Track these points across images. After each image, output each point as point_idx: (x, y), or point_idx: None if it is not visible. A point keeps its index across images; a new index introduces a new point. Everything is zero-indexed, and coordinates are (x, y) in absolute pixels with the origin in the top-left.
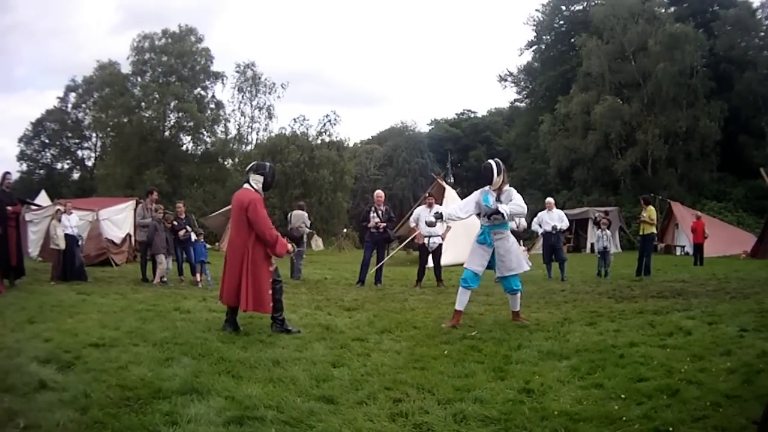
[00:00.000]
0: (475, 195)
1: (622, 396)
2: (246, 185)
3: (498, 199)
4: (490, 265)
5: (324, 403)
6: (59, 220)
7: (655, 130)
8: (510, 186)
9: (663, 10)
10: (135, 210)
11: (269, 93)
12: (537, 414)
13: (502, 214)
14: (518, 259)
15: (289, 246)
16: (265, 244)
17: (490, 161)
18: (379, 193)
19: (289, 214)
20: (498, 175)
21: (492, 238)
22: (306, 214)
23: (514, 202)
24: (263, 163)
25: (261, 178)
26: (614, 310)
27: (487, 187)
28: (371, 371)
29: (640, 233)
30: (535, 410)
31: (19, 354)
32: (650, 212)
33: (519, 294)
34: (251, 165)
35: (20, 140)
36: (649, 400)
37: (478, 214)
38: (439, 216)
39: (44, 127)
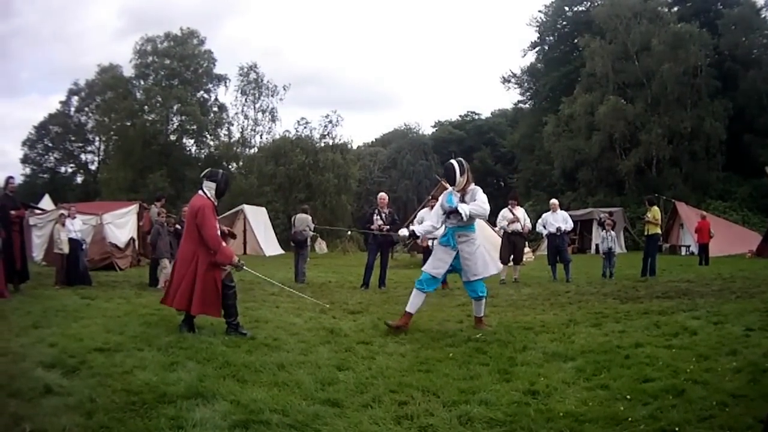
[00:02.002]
0: (441, 199)
1: (628, 397)
2: (200, 192)
3: (462, 200)
4: (456, 269)
5: (329, 407)
6: (63, 225)
7: (659, 130)
8: (476, 185)
9: (666, 10)
10: (138, 214)
11: (272, 95)
12: (542, 415)
13: (461, 215)
14: (484, 262)
15: (235, 258)
16: (213, 250)
17: (452, 161)
18: (383, 195)
19: (293, 218)
20: (461, 175)
21: (456, 240)
22: (309, 218)
23: (475, 203)
24: (216, 171)
25: (214, 185)
26: (619, 311)
27: (451, 188)
28: (376, 374)
29: (645, 234)
30: (540, 412)
31: (24, 359)
32: (654, 212)
33: (483, 300)
34: (205, 172)
35: (24, 144)
36: (654, 401)
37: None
38: (412, 233)
39: (47, 131)
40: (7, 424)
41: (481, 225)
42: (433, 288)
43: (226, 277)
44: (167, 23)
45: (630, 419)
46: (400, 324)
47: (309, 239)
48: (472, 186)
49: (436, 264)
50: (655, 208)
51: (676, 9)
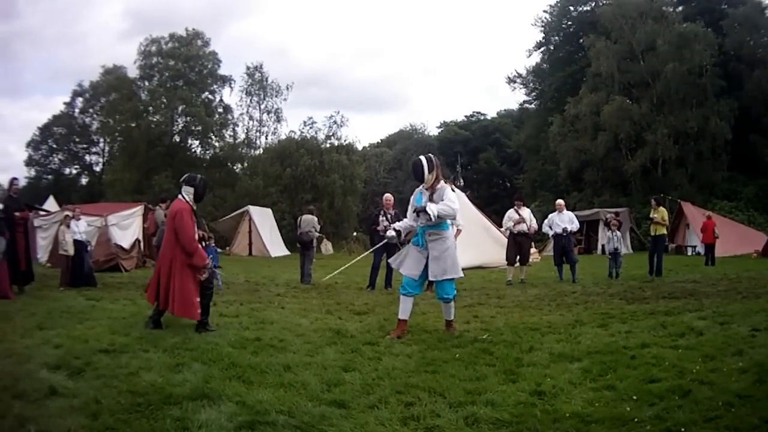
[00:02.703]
0: (412, 198)
1: (634, 397)
2: (179, 196)
3: (431, 198)
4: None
5: (335, 408)
6: (68, 226)
7: (665, 130)
8: (445, 183)
9: (671, 9)
10: (143, 215)
11: (276, 96)
12: (549, 416)
13: (429, 215)
14: (454, 263)
15: (208, 260)
16: (185, 253)
17: (421, 157)
18: (388, 196)
19: (298, 219)
20: (430, 172)
21: (426, 239)
22: (315, 219)
23: (444, 203)
24: (194, 175)
25: (192, 190)
26: (626, 311)
27: (420, 186)
28: (382, 375)
29: (652, 234)
30: (546, 412)
31: (29, 360)
32: (662, 213)
33: (452, 303)
34: (184, 177)
35: (28, 145)
36: (661, 401)
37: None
38: (398, 232)
39: (52, 133)
40: (12, 426)
41: (486, 226)
42: (419, 290)
43: (207, 279)
44: (172, 25)
45: (636, 420)
46: (399, 333)
47: (315, 240)
48: (442, 184)
49: (411, 265)
50: (662, 208)
51: (681, 9)
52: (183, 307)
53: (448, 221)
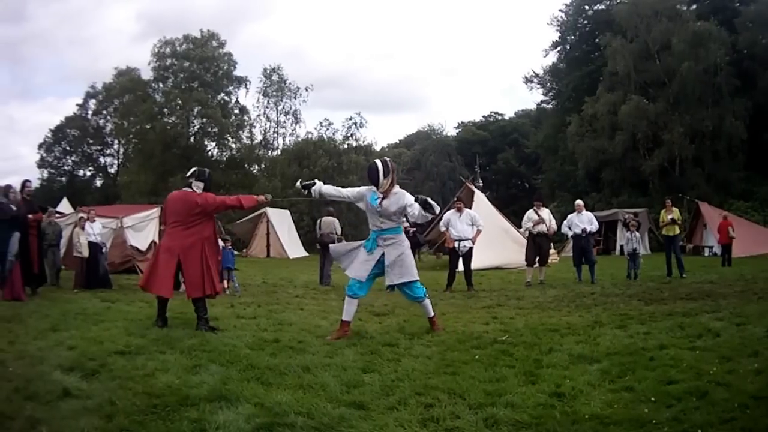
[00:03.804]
0: (365, 189)
1: (652, 399)
2: (189, 189)
3: (381, 202)
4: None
5: (355, 409)
6: (82, 228)
7: (681, 130)
8: (402, 188)
9: (685, 8)
10: (159, 217)
11: (294, 97)
12: (568, 418)
13: (434, 209)
14: (411, 266)
15: (260, 197)
16: (239, 208)
17: (377, 161)
18: None
19: (318, 221)
20: (385, 176)
21: (378, 243)
22: (336, 220)
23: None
24: (204, 170)
25: (202, 184)
26: (644, 312)
27: (374, 188)
28: (402, 377)
29: (667, 234)
30: (566, 414)
31: (41, 362)
32: (676, 213)
33: (427, 300)
34: (192, 171)
35: (40, 147)
36: (678, 403)
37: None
38: (308, 186)
39: (65, 134)
40: (23, 428)
41: (505, 227)
42: (364, 292)
43: None
44: (185, 27)
45: (654, 421)
46: (339, 335)
47: (336, 242)
48: (397, 189)
49: (359, 267)
50: (675, 208)
51: (694, 7)
52: (213, 285)
53: (400, 225)
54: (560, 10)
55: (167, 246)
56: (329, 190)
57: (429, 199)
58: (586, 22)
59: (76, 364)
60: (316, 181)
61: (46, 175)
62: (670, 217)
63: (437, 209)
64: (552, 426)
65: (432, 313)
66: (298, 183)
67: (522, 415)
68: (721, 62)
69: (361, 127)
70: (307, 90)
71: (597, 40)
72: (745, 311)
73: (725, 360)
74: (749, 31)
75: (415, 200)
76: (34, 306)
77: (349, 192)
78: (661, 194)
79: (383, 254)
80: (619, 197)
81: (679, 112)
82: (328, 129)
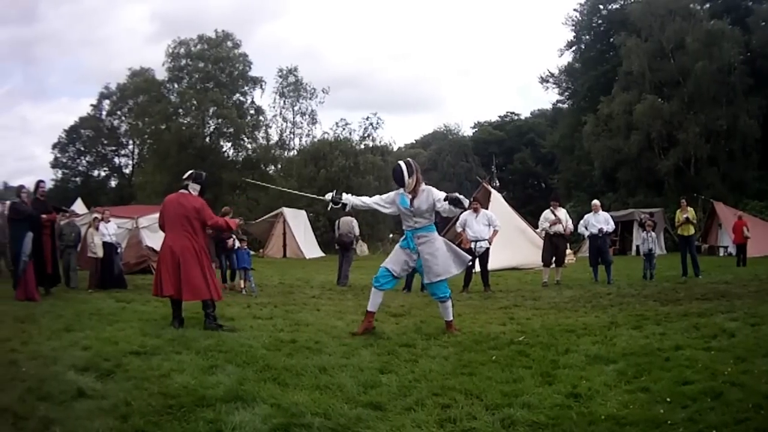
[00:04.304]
0: (393, 194)
1: (668, 399)
2: (186, 191)
3: (412, 201)
4: (419, 271)
5: (372, 410)
6: (97, 228)
7: (696, 129)
8: (427, 185)
9: (698, 7)
10: None
11: (311, 98)
12: (584, 419)
13: (463, 203)
14: (446, 263)
15: (237, 220)
16: (223, 230)
17: (400, 162)
18: None
19: (337, 221)
20: (410, 176)
21: (415, 243)
22: (354, 220)
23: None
24: (200, 173)
25: (199, 187)
26: (660, 312)
27: (401, 190)
28: (419, 377)
29: (683, 233)
30: (582, 415)
31: (55, 362)
32: (691, 212)
33: (449, 302)
34: (189, 174)
35: (54, 147)
36: (693, 403)
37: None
38: (340, 202)
39: (79, 135)
40: (36, 428)
41: (522, 227)
42: (391, 286)
43: None
44: (199, 28)
45: (669, 422)
46: (366, 327)
47: (354, 242)
48: (424, 186)
49: (395, 263)
50: (690, 208)
51: (707, 6)
52: (217, 288)
53: (432, 223)
54: (575, 10)
55: (167, 248)
56: (358, 202)
57: (458, 196)
58: (600, 21)
59: (90, 365)
60: (344, 194)
61: (60, 175)
62: (684, 216)
63: (466, 203)
64: (568, 427)
65: (451, 317)
66: (328, 196)
67: (539, 415)
68: (734, 61)
69: (377, 127)
70: (324, 92)
71: (612, 39)
72: (759, 311)
73: (740, 360)
74: (762, 29)
75: (445, 199)
76: (48, 306)
77: (378, 200)
78: (676, 194)
79: (419, 254)
80: (635, 197)
81: (693, 111)
82: (344, 129)
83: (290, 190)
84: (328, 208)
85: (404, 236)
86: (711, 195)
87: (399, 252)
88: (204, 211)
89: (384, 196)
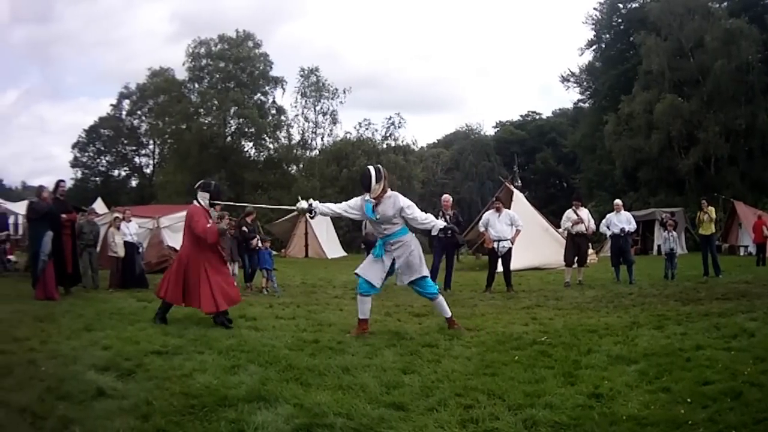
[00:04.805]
0: (359, 199)
1: (688, 400)
2: (194, 202)
3: (375, 207)
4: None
5: (394, 410)
6: (118, 228)
7: (716, 128)
8: (394, 191)
9: (717, 5)
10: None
11: (332, 98)
12: (606, 419)
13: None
14: (420, 263)
15: (220, 225)
16: (202, 242)
17: (369, 167)
18: (447, 197)
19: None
20: (377, 182)
21: (386, 249)
22: None
23: (416, 214)
24: (209, 182)
25: (207, 195)
26: (681, 312)
27: (366, 196)
28: (442, 378)
29: (704, 233)
30: (604, 415)
31: (75, 361)
32: (712, 212)
33: (440, 298)
34: (199, 183)
35: (74, 147)
36: (713, 403)
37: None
38: (309, 207)
39: (98, 134)
40: (55, 427)
41: (544, 226)
42: (376, 290)
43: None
44: (220, 27)
45: (690, 422)
46: (360, 332)
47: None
48: (390, 193)
49: (373, 277)
50: (711, 207)
51: (725, 4)
52: (227, 299)
53: (403, 227)
54: (595, 9)
55: (178, 257)
56: (325, 209)
57: (451, 229)
58: (620, 20)
59: (111, 364)
60: (311, 201)
61: (79, 175)
62: (706, 216)
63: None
64: (590, 427)
65: (449, 314)
66: (302, 204)
67: (561, 416)
68: (752, 60)
69: (400, 127)
70: (345, 92)
71: (632, 38)
72: None
73: (759, 360)
74: None
75: (441, 230)
76: (68, 305)
77: (344, 206)
78: (696, 193)
79: (393, 259)
80: (656, 196)
81: (713, 110)
82: (367, 129)
83: (261, 205)
84: (306, 215)
85: (376, 245)
86: (731, 194)
87: (371, 262)
88: (191, 220)
89: (351, 201)
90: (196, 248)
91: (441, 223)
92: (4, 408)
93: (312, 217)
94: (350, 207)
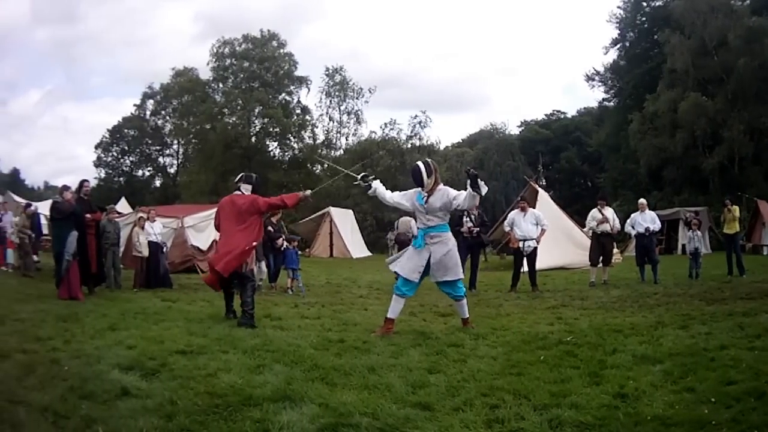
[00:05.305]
0: (412, 191)
1: (712, 399)
2: (237, 192)
3: (426, 199)
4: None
5: (420, 410)
6: (142, 228)
7: (740, 127)
8: (444, 185)
9: (740, 3)
10: None
11: (357, 98)
12: (631, 419)
13: (479, 191)
14: (455, 264)
15: (301, 194)
16: (283, 207)
17: (419, 162)
18: None
19: (396, 221)
20: (429, 176)
21: (426, 242)
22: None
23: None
24: (251, 174)
25: (250, 187)
26: (705, 312)
27: (419, 189)
28: (467, 377)
29: (728, 232)
30: (629, 415)
31: (99, 361)
32: (736, 211)
33: (464, 301)
34: (240, 176)
35: (97, 147)
36: (737, 404)
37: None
38: (368, 184)
39: (122, 134)
40: (78, 427)
41: (569, 226)
42: (412, 292)
43: (249, 271)
44: (244, 28)
45: (714, 422)
46: (384, 331)
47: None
48: (441, 186)
49: (410, 267)
50: (735, 206)
51: (748, 2)
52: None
53: (446, 223)
54: (619, 7)
55: (221, 244)
56: (384, 194)
57: (477, 177)
58: (644, 18)
59: (135, 364)
60: (375, 181)
61: (103, 174)
62: (730, 215)
63: (484, 189)
64: (615, 427)
65: (467, 315)
66: (359, 176)
67: (586, 416)
68: None
69: (425, 126)
70: (370, 91)
71: (656, 36)
72: None
73: None
74: None
75: (465, 171)
76: (92, 305)
77: (398, 197)
78: (720, 192)
79: (430, 254)
80: (680, 196)
81: (737, 108)
82: (392, 129)
83: (322, 159)
84: (355, 183)
85: (416, 235)
86: (755, 193)
87: (412, 255)
88: (257, 200)
89: (404, 192)
90: (249, 232)
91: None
92: (26, 407)
93: (365, 189)
94: (403, 198)
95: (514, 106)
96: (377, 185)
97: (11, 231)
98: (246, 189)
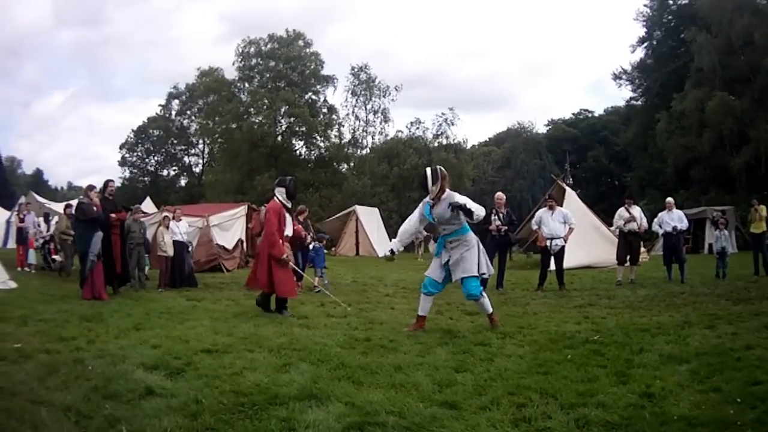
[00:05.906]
0: (419, 208)
1: (738, 400)
2: (274, 198)
3: (432, 210)
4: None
5: (447, 409)
6: (167, 227)
7: (767, 126)
8: (452, 191)
9: (765, 2)
10: (247, 215)
11: (383, 96)
12: (657, 419)
13: (465, 210)
14: (476, 262)
15: (286, 254)
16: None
17: (427, 168)
18: (500, 195)
19: None
20: (434, 183)
21: (445, 247)
22: None
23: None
24: (284, 177)
25: (284, 190)
26: (732, 312)
27: (427, 198)
28: (494, 376)
29: (755, 231)
30: (655, 415)
31: (123, 360)
32: (763, 210)
33: (484, 299)
34: (277, 180)
35: (122, 147)
36: (762, 404)
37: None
38: (392, 252)
39: (147, 134)
40: (101, 426)
41: (596, 225)
42: (438, 290)
43: None
44: (269, 28)
45: (739, 423)
46: (416, 328)
47: (423, 240)
48: (446, 194)
49: (434, 272)
50: (762, 206)
51: None
52: (285, 289)
53: (465, 225)
54: (645, 6)
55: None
56: (405, 239)
57: (463, 206)
58: (671, 17)
59: (160, 363)
60: (392, 245)
61: (128, 174)
62: (757, 214)
63: (476, 214)
64: (641, 427)
65: (490, 310)
66: (388, 253)
67: (612, 415)
68: None
69: (452, 123)
70: (396, 89)
71: (682, 35)
72: None
73: None
74: None
75: (451, 208)
76: (116, 305)
77: (412, 222)
78: (747, 192)
79: (449, 257)
80: (707, 195)
81: (764, 108)
82: (418, 128)
83: None
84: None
85: (438, 242)
86: None
87: (435, 261)
88: (266, 217)
89: (415, 213)
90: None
91: (482, 212)
92: (48, 407)
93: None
94: (417, 221)
95: (542, 104)
96: (394, 242)
97: (33, 231)
98: (280, 192)
